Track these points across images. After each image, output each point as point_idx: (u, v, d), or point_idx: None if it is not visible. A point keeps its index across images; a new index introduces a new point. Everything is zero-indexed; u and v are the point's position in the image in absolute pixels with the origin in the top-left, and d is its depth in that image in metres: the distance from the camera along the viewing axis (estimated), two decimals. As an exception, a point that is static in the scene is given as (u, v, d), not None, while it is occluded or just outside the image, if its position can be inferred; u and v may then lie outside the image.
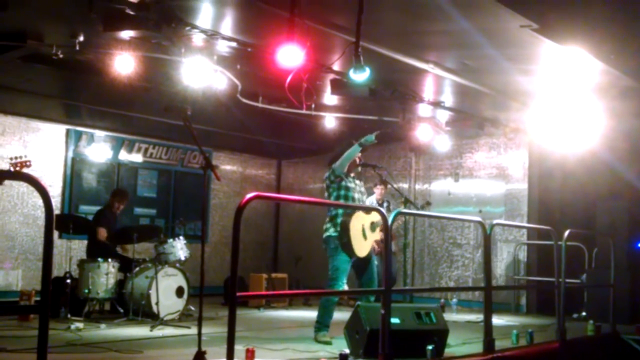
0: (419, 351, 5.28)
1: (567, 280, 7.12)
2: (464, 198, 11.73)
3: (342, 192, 6.65)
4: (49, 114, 10.34)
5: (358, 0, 5.40)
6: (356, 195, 6.74)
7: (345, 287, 6.84)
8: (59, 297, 7.79)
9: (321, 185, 13.23)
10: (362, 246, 6.59)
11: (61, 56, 6.86)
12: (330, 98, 8.81)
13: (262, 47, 6.63)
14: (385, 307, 4.75)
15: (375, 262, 6.88)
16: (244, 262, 12.04)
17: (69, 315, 7.58)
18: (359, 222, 6.59)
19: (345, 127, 10.41)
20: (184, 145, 12.04)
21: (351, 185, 6.72)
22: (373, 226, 6.65)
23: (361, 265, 6.73)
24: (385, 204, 9.03)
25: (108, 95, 8.80)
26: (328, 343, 6.33)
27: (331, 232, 6.62)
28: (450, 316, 8.87)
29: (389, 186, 8.73)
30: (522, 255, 11.07)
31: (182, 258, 8.44)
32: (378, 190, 9.39)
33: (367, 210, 6.85)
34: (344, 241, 6.49)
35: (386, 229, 4.90)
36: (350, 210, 6.58)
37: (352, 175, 6.87)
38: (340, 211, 6.61)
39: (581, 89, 8.39)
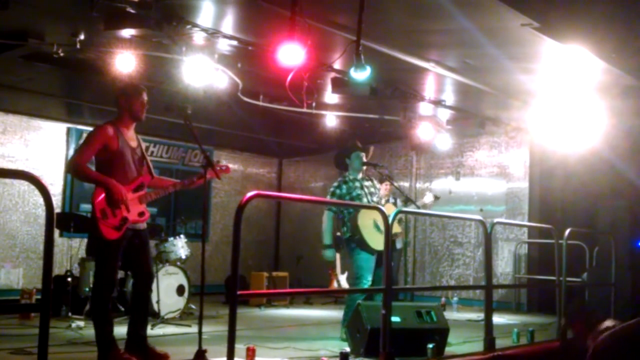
0: (419, 350, 5.28)
1: (568, 279, 7.13)
2: (465, 197, 11.72)
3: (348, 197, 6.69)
4: (50, 113, 10.33)
5: (359, -2, 5.40)
6: (364, 200, 6.75)
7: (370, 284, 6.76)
8: (60, 295, 7.80)
9: (322, 184, 13.29)
10: (379, 240, 6.43)
11: (62, 55, 6.85)
12: (331, 97, 8.79)
13: (263, 46, 6.62)
14: (386, 306, 4.75)
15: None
16: (245, 261, 12.04)
17: (70, 314, 7.60)
18: (369, 217, 6.59)
19: (346, 125, 10.40)
20: (185, 144, 12.02)
21: (359, 191, 6.73)
22: None
23: (378, 261, 6.67)
24: (391, 200, 8.98)
25: (109, 94, 8.76)
26: None
27: (346, 234, 6.67)
28: (451, 315, 8.87)
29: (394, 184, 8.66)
30: (523, 253, 11.06)
31: (183, 256, 8.44)
32: (382, 187, 9.24)
33: (367, 208, 6.81)
34: (357, 238, 6.53)
35: (387, 226, 4.89)
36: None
37: (359, 177, 6.88)
38: (348, 212, 6.61)
39: (582, 88, 8.37)
